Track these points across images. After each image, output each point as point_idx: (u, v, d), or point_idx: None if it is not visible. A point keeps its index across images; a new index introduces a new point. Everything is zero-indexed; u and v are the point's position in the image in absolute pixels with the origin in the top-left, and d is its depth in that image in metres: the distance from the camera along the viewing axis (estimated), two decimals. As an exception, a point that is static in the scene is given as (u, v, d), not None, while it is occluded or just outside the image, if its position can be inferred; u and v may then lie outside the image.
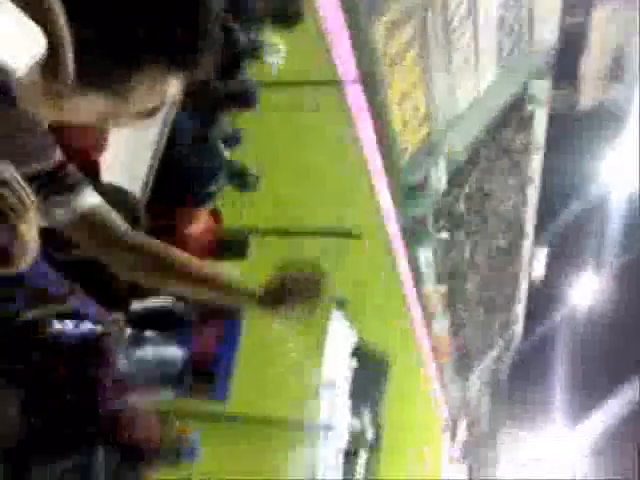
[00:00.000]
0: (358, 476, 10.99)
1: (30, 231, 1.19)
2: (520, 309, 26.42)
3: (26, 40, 0.86)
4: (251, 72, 4.15)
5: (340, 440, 9.73)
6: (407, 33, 12.39)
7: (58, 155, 1.28)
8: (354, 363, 10.27)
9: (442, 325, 20.72)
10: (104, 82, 0.98)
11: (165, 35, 0.95)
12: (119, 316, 3.39)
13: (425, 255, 17.18)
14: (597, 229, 22.47)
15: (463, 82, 15.16)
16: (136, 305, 3.28)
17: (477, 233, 19.97)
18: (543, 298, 25.60)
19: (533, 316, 26.74)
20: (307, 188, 7.69)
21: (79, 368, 3.37)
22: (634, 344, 23.85)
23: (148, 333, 3.65)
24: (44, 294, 2.86)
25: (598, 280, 24.37)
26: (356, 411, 10.56)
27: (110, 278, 2.70)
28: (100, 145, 2.57)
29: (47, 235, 1.40)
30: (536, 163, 19.44)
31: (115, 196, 2.12)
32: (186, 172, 3.53)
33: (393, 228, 14.29)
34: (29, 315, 2.97)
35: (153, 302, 3.41)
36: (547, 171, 19.64)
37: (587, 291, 24.44)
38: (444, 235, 18.04)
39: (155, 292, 3.19)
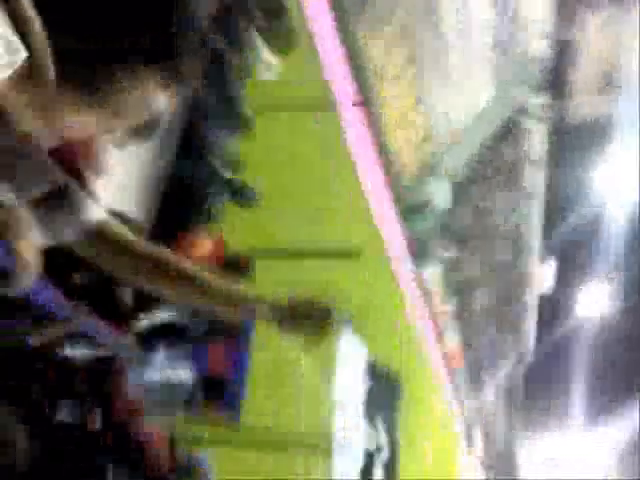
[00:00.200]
0: (375, 494, 10.92)
1: (29, 249, 1.20)
2: (531, 322, 26.28)
3: (1, 48, 0.85)
4: (246, 92, 4.22)
5: (356, 459, 9.68)
6: (403, 54, 12.53)
7: (59, 176, 1.30)
8: (367, 381, 10.25)
9: (453, 340, 20.71)
10: (86, 91, 0.98)
11: (140, 39, 0.95)
12: (128, 339, 3.43)
13: (432, 272, 17.21)
14: (605, 238, 22.37)
15: (460, 100, 15.28)
16: (145, 321, 3.29)
17: (483, 249, 19.95)
18: (553, 310, 25.49)
19: (544, 328, 26.60)
20: (306, 208, 7.74)
21: (89, 392, 3.41)
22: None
23: (159, 352, 3.66)
24: (50, 317, 2.89)
25: (608, 290, 24.31)
26: (371, 429, 10.52)
27: (114, 295, 2.75)
28: (99, 168, 2.63)
29: (51, 256, 1.42)
30: (538, 177, 19.45)
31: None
32: (183, 188, 3.58)
33: (398, 246, 14.31)
34: (36, 341, 2.99)
35: (162, 317, 3.42)
36: (549, 184, 19.67)
37: (597, 301, 24.39)
38: (450, 253, 18.07)
39: (161, 306, 3.22)
